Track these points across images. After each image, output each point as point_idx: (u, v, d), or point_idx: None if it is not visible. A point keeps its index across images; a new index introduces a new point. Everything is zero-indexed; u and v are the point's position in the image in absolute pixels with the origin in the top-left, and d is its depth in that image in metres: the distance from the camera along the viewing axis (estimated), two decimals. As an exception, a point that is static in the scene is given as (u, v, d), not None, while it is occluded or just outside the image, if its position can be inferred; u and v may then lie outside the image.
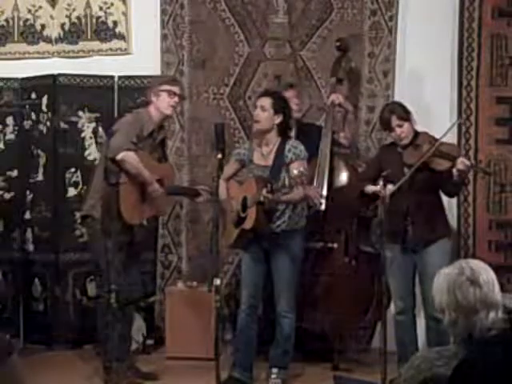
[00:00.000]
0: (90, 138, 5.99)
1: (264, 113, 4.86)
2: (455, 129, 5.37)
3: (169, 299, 5.76)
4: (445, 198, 5.00)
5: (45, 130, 5.98)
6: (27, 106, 6.06)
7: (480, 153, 5.63)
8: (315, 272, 5.36)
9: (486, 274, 2.43)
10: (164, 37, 6.09)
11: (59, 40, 6.25)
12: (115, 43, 6.21)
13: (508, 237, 5.60)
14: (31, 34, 6.27)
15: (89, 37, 6.24)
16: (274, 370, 4.96)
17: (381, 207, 4.52)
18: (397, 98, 5.58)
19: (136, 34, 6.16)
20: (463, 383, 2.31)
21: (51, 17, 6.25)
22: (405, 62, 5.82)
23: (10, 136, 6.13)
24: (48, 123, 5.96)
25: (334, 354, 5.32)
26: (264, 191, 4.51)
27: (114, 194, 4.64)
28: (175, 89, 5.05)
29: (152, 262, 6.09)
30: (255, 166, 4.91)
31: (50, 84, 5.93)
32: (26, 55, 6.28)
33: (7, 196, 6.11)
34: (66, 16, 6.24)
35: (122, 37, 6.20)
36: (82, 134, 5.98)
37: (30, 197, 6.06)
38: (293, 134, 5.29)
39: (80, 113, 5.96)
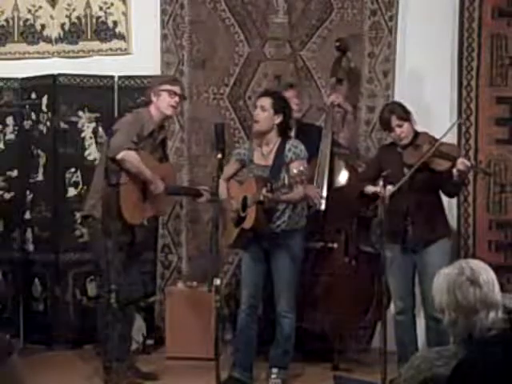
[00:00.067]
0: (90, 138, 5.99)
1: (264, 113, 4.86)
2: (455, 129, 5.37)
3: (169, 299, 5.76)
4: (445, 198, 5.00)
5: (45, 130, 5.98)
6: (27, 106, 6.06)
7: (480, 153, 5.63)
8: (315, 272, 5.36)
9: (486, 274, 2.44)
10: (164, 37, 6.09)
11: (59, 40, 6.25)
12: (115, 43, 6.21)
13: (508, 237, 5.60)
14: (31, 34, 6.27)
15: (89, 37, 6.24)
16: (274, 370, 4.96)
17: (381, 207, 4.52)
18: (397, 98, 5.58)
19: (136, 34, 6.17)
20: (463, 383, 2.31)
21: (51, 17, 6.25)
22: (405, 62, 5.82)
23: (10, 136, 6.13)
24: (48, 123, 5.96)
25: (334, 354, 5.32)
26: (264, 190, 4.51)
27: (114, 193, 4.64)
28: (176, 88, 5.05)
29: (152, 261, 6.09)
30: (255, 166, 4.91)
31: (50, 84, 5.93)
32: (26, 55, 6.28)
33: (7, 196, 6.11)
34: (66, 16, 6.24)
35: (122, 37, 6.20)
36: (82, 134, 5.98)
37: (30, 197, 6.06)
38: (292, 133, 5.29)
39: (80, 113, 5.96)
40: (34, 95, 6.02)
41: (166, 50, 6.09)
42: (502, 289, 2.48)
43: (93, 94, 5.98)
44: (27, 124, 6.07)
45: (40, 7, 6.25)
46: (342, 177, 5.52)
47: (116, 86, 6.04)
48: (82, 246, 5.88)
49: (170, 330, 5.66)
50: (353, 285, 5.30)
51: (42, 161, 5.99)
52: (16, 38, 6.29)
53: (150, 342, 5.87)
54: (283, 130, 4.90)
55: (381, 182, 4.55)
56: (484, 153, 5.62)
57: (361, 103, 5.89)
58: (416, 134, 4.87)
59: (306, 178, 4.52)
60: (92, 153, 5.98)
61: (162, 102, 5.00)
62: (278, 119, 4.86)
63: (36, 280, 6.05)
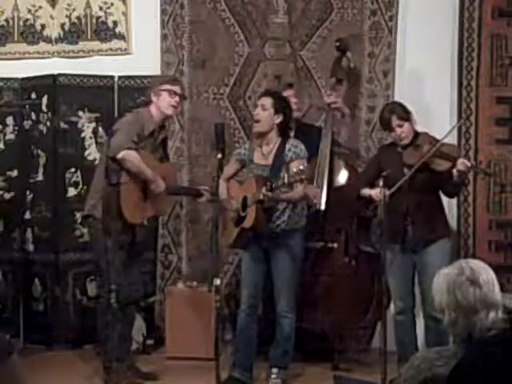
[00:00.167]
0: (90, 138, 5.99)
1: (264, 112, 4.86)
2: (455, 129, 5.37)
3: (169, 299, 5.76)
4: (445, 198, 5.00)
5: (45, 130, 5.98)
6: (27, 106, 6.06)
7: (480, 153, 5.62)
8: (315, 272, 5.36)
9: (486, 274, 2.44)
10: (164, 37, 6.09)
11: (59, 40, 6.25)
12: (115, 43, 6.21)
13: (508, 237, 5.60)
14: (31, 33, 6.27)
15: (89, 37, 6.24)
16: (274, 370, 4.96)
17: (381, 207, 4.52)
18: (397, 98, 5.58)
19: (136, 34, 6.16)
20: (463, 383, 2.31)
21: (51, 17, 6.25)
22: (405, 62, 5.82)
23: (10, 136, 6.13)
24: (48, 123, 5.96)
25: (334, 354, 5.32)
26: (264, 189, 4.51)
27: (114, 193, 4.64)
28: (176, 88, 5.05)
29: (152, 262, 6.09)
30: (255, 166, 4.91)
31: (50, 84, 5.93)
32: (26, 55, 6.28)
33: (7, 196, 6.11)
34: (66, 16, 6.24)
35: (122, 37, 6.20)
36: (82, 134, 5.98)
37: (30, 197, 6.06)
38: (292, 133, 5.29)
39: (80, 113, 5.96)
40: (34, 95, 6.02)
41: (166, 50, 6.09)
42: (502, 289, 2.48)
43: (93, 94, 5.98)
44: (27, 124, 6.07)
45: (40, 7, 6.25)
46: (342, 177, 5.52)
47: (116, 86, 6.04)
48: (82, 246, 5.88)
49: (170, 330, 5.66)
50: (353, 285, 5.30)
51: (42, 161, 5.99)
52: (16, 38, 6.29)
53: (150, 342, 5.87)
54: (283, 130, 4.90)
55: (380, 183, 4.55)
56: (484, 153, 5.62)
57: (361, 103, 5.90)
58: (416, 134, 4.87)
59: (305, 177, 4.52)
60: (92, 153, 5.98)
61: (163, 102, 5.00)
62: (279, 119, 4.86)
63: (36, 280, 6.05)
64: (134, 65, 6.05)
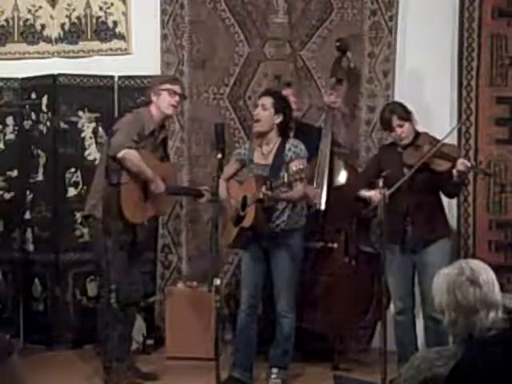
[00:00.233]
0: (90, 138, 5.99)
1: (265, 112, 4.86)
2: (455, 129, 5.37)
3: (169, 299, 5.76)
4: (445, 198, 5.00)
5: (45, 130, 5.98)
6: (27, 106, 6.06)
7: (480, 153, 5.62)
8: (315, 272, 5.36)
9: (486, 274, 2.44)
10: (164, 37, 6.09)
11: (59, 40, 6.25)
12: (115, 43, 6.21)
13: (508, 237, 5.60)
14: (31, 33, 6.27)
15: (89, 37, 6.24)
16: (274, 370, 4.96)
17: (380, 207, 4.52)
18: (397, 98, 5.58)
19: (136, 34, 6.17)
20: (463, 383, 2.31)
21: (51, 17, 6.25)
22: (405, 62, 5.82)
23: (10, 136, 6.13)
24: (48, 123, 5.96)
25: (334, 354, 5.32)
26: (263, 188, 4.52)
27: (115, 193, 4.64)
28: (176, 88, 5.05)
29: (152, 262, 6.09)
30: (255, 165, 4.91)
31: (50, 84, 5.93)
32: (26, 55, 6.28)
33: (7, 196, 6.11)
34: (66, 16, 6.24)
35: (122, 37, 6.20)
36: (82, 134, 5.98)
37: (30, 197, 6.06)
38: (291, 133, 5.29)
39: (80, 113, 5.96)
40: (34, 95, 6.02)
41: (166, 50, 6.09)
42: (502, 289, 2.48)
43: (93, 94, 5.98)
44: (27, 124, 6.07)
45: (40, 7, 6.25)
46: (342, 177, 5.52)
47: (116, 86, 6.04)
48: (82, 246, 5.88)
49: (170, 330, 5.66)
50: (353, 285, 5.30)
51: (42, 161, 5.99)
52: (16, 38, 6.29)
53: (150, 342, 5.87)
54: (283, 130, 4.91)
55: (380, 183, 4.55)
56: (484, 153, 5.62)
57: (361, 103, 5.90)
58: (417, 135, 4.87)
59: (305, 176, 4.53)
60: (92, 153, 5.98)
61: (163, 102, 4.99)
62: (279, 119, 4.87)
63: (36, 280, 6.05)
64: (134, 65, 6.05)
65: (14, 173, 6.10)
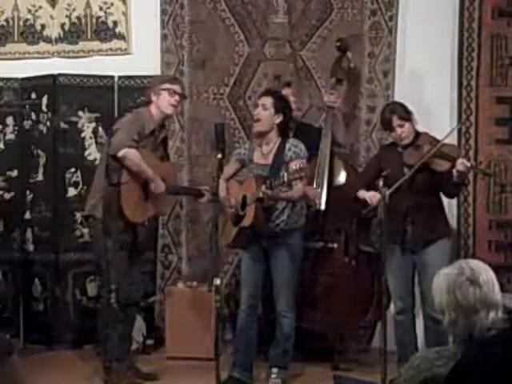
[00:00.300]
0: (90, 138, 5.99)
1: (265, 111, 4.86)
2: (455, 129, 5.37)
3: (169, 299, 5.76)
4: (445, 198, 5.00)
5: (45, 130, 5.98)
6: (27, 106, 6.06)
7: (480, 153, 5.62)
8: (315, 272, 5.36)
9: (486, 274, 2.44)
10: (164, 37, 6.09)
11: (59, 40, 6.25)
12: (115, 43, 6.21)
13: (508, 237, 5.60)
14: (31, 33, 6.27)
15: (89, 37, 6.24)
16: (274, 370, 4.96)
17: (381, 207, 4.52)
18: (397, 98, 5.58)
19: (136, 33, 6.16)
20: (463, 383, 2.31)
21: (51, 17, 6.25)
22: (405, 62, 5.82)
23: (10, 136, 6.13)
24: (48, 123, 5.96)
25: (334, 354, 5.32)
26: (263, 187, 4.52)
27: (115, 193, 4.64)
28: (176, 87, 5.04)
29: (152, 262, 6.09)
30: (255, 165, 4.91)
31: (50, 84, 5.93)
32: (26, 55, 6.28)
33: (7, 196, 6.11)
34: (66, 16, 6.24)
35: (122, 37, 6.20)
36: (82, 134, 5.98)
37: (30, 197, 6.06)
38: (291, 133, 5.29)
39: (80, 113, 5.96)
40: (34, 95, 6.02)
41: (166, 50, 6.09)
42: (502, 289, 2.48)
43: (93, 94, 5.98)
44: (27, 124, 6.07)
45: (40, 7, 6.25)
46: (342, 177, 5.52)
47: (116, 86, 6.04)
48: (82, 246, 5.89)
49: (170, 330, 5.66)
50: (353, 285, 5.30)
51: (42, 161, 5.99)
52: (16, 38, 6.29)
53: (150, 342, 5.87)
54: (283, 130, 4.91)
55: (380, 183, 4.55)
56: (484, 153, 5.62)
57: (361, 103, 5.90)
58: (417, 135, 4.87)
59: (305, 175, 4.52)
60: (92, 153, 5.98)
61: (163, 101, 4.99)
62: (279, 119, 4.87)
63: (36, 280, 6.05)
64: (134, 65, 6.05)
65: (14, 173, 6.10)
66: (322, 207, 5.39)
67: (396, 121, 4.83)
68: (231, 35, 6.07)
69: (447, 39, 5.70)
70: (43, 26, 6.26)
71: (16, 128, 6.11)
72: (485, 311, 2.39)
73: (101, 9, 6.21)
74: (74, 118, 5.95)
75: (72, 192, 5.95)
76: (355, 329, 5.63)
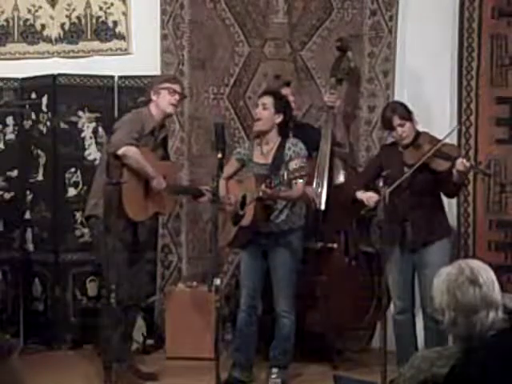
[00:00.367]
0: (90, 138, 5.99)
1: (265, 111, 4.87)
2: (455, 129, 5.37)
3: (169, 299, 5.75)
4: (445, 198, 4.99)
5: (45, 130, 5.98)
6: (27, 106, 6.06)
7: (480, 153, 5.62)
8: (315, 272, 5.36)
9: (486, 274, 2.44)
10: (164, 37, 6.09)
11: (59, 40, 6.24)
12: (115, 43, 6.21)
13: (508, 237, 5.59)
14: (31, 34, 6.26)
15: (89, 37, 6.24)
16: (274, 370, 4.96)
17: (381, 207, 4.52)
18: (397, 98, 5.58)
19: (136, 34, 6.16)
20: (462, 383, 2.31)
21: (51, 17, 6.25)
22: (405, 62, 5.82)
23: (10, 136, 6.13)
24: (48, 123, 5.96)
25: (334, 354, 5.32)
26: (263, 186, 4.52)
27: (115, 192, 4.63)
28: (175, 87, 5.05)
29: (152, 262, 6.08)
30: (255, 165, 4.92)
31: (49, 84, 5.93)
32: (26, 55, 6.28)
33: (7, 196, 6.11)
34: (66, 16, 6.23)
35: (121, 37, 6.20)
36: (82, 134, 5.98)
37: (30, 197, 6.06)
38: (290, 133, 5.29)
39: (80, 113, 5.96)
40: (34, 95, 6.02)
41: (166, 49, 6.09)
42: (502, 289, 2.48)
43: (93, 94, 5.98)
44: (27, 124, 6.06)
45: (40, 7, 6.25)
46: (342, 176, 5.52)
47: (116, 86, 6.04)
48: (82, 246, 5.88)
49: (170, 330, 5.66)
50: (353, 285, 5.30)
51: (42, 161, 5.99)
52: (16, 38, 6.28)
53: (150, 342, 5.87)
54: (283, 130, 4.91)
55: (381, 183, 4.55)
56: (484, 153, 5.62)
57: (361, 103, 5.90)
58: (417, 134, 4.87)
59: (305, 174, 4.52)
60: (92, 153, 5.98)
61: (162, 101, 4.99)
62: (279, 118, 4.87)
63: (36, 280, 6.05)
64: (134, 65, 6.04)
65: (14, 173, 6.10)
66: (322, 207, 5.39)
67: (397, 120, 4.83)
68: (231, 35, 6.07)
69: (447, 39, 5.69)
70: (43, 26, 6.25)
71: (16, 128, 6.10)
72: (485, 311, 2.39)
73: (101, 9, 6.21)
74: (73, 118, 5.95)
75: (72, 192, 5.95)
76: (355, 329, 5.62)
